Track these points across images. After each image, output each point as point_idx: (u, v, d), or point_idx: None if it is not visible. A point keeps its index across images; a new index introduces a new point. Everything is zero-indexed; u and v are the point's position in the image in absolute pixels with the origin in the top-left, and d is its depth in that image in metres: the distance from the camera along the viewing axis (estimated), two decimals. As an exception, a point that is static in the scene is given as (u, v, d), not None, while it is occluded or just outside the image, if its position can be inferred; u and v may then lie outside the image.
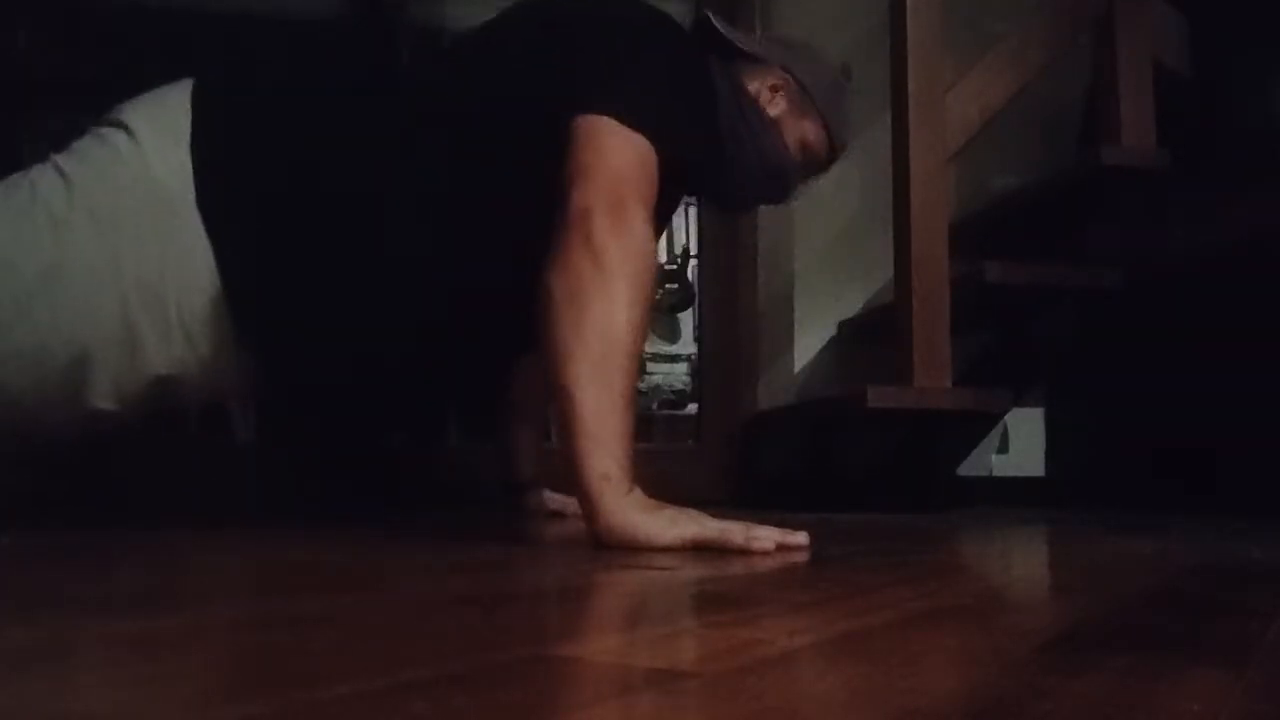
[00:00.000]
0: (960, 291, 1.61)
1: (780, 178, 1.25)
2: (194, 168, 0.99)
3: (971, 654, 0.43)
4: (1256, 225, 1.59)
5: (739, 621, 0.49)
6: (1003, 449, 2.30)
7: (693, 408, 2.52)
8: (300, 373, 1.08)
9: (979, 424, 1.84)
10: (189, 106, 1.03)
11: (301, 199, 1.03)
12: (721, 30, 1.21)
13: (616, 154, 0.96)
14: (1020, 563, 0.95)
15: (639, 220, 0.94)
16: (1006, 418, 1.99)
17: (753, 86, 1.20)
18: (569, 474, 0.88)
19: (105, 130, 1.03)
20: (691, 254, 2.82)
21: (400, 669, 0.36)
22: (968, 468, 2.04)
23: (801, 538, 0.90)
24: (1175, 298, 1.77)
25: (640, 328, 0.92)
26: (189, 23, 2.31)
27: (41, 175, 1.00)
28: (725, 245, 2.18)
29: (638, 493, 0.88)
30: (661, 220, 1.10)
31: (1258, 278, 1.61)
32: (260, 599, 0.61)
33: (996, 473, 2.30)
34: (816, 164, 1.29)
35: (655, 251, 0.96)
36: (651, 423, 2.75)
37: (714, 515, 0.89)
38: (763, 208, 2.15)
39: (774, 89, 1.21)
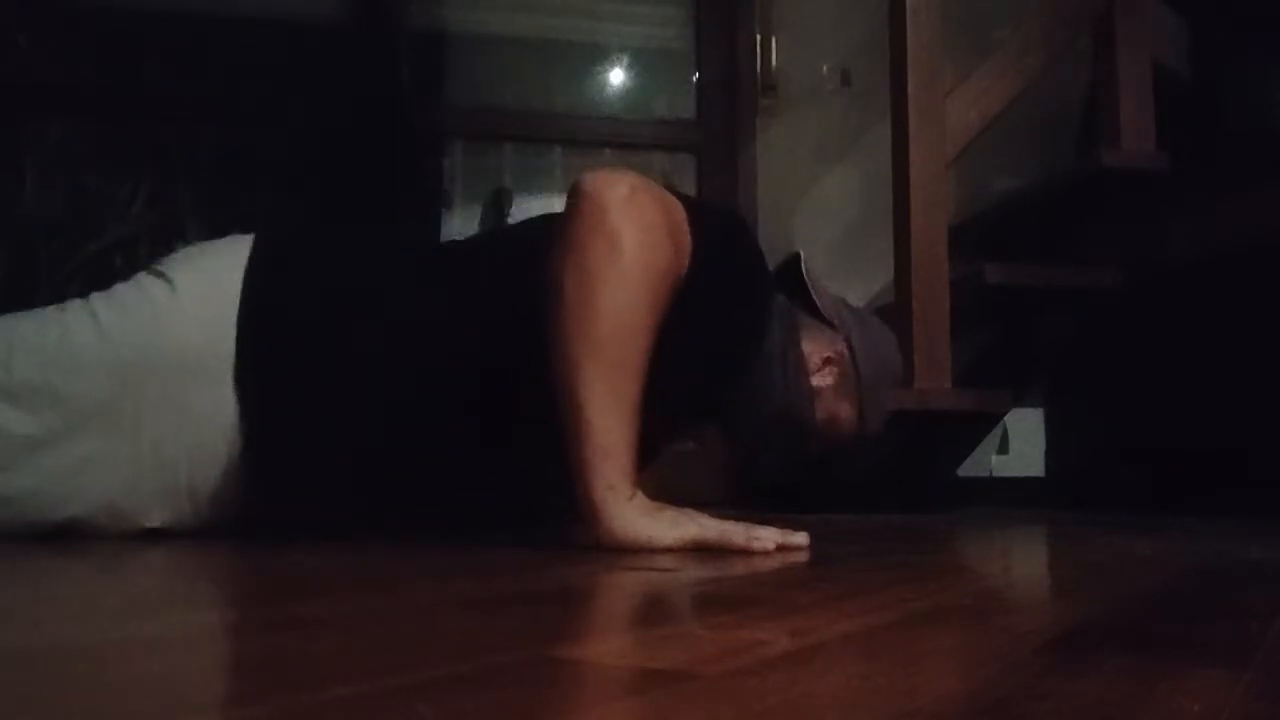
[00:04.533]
0: (960, 292, 1.61)
1: (793, 441, 1.15)
2: (239, 343, 0.96)
3: (971, 654, 0.43)
4: (1256, 225, 1.59)
5: (740, 622, 0.49)
6: (1003, 449, 2.30)
7: (693, 409, 2.52)
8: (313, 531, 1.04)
9: (979, 424, 1.84)
10: (241, 276, 0.99)
11: (342, 385, 0.99)
12: (807, 279, 1.14)
13: (642, 178, 0.93)
14: (1020, 563, 0.95)
15: (656, 217, 0.90)
16: (1006, 418, 1.99)
17: (808, 348, 1.11)
18: (573, 477, 0.87)
19: (148, 280, 1.00)
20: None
21: (403, 671, 0.36)
22: (968, 468, 2.04)
23: (802, 538, 0.90)
24: (1175, 298, 1.77)
25: (654, 326, 0.89)
26: (188, 26, 2.31)
27: (77, 317, 0.97)
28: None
29: (639, 496, 0.88)
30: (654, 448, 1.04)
31: (1258, 278, 1.61)
32: (261, 602, 0.61)
33: (996, 473, 2.31)
34: (836, 441, 1.18)
35: (668, 248, 0.91)
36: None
37: (714, 516, 0.90)
38: (770, 228, 2.15)
39: (826, 361, 1.11)
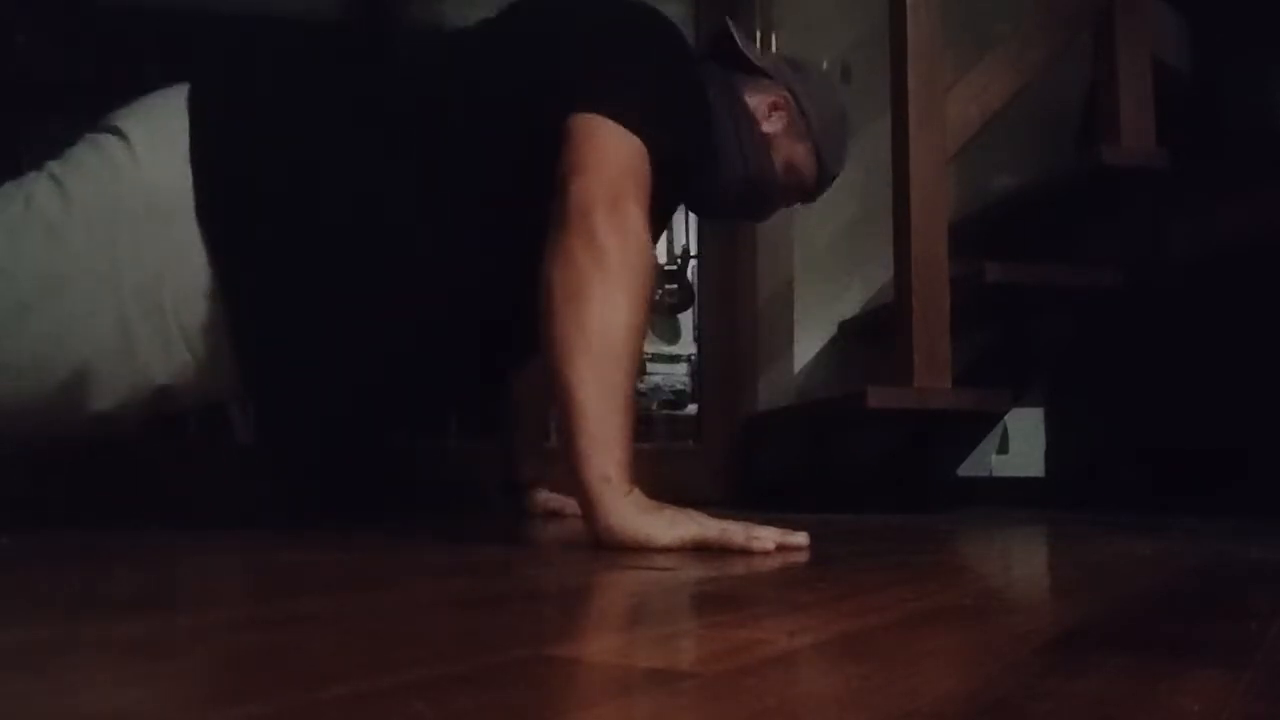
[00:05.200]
0: (960, 291, 1.61)
1: (762, 194, 1.24)
2: (193, 176, 0.99)
3: (971, 654, 0.43)
4: (1256, 225, 1.59)
5: (739, 622, 0.49)
6: (1003, 449, 2.30)
7: (693, 408, 2.52)
8: (299, 376, 1.08)
9: (979, 424, 1.84)
10: (186, 113, 1.02)
11: (301, 203, 1.02)
12: (738, 41, 1.22)
13: (613, 152, 0.96)
14: (1020, 563, 0.95)
15: (637, 219, 0.94)
16: (1006, 418, 1.99)
17: (752, 101, 1.20)
18: (570, 475, 0.88)
19: (100, 137, 1.02)
20: (691, 254, 2.82)
21: (400, 669, 0.36)
22: (968, 468, 2.04)
23: (802, 538, 0.90)
24: (1175, 298, 1.77)
25: (641, 328, 0.92)
26: (188, 23, 2.31)
27: (37, 184, 0.99)
28: (725, 245, 2.18)
29: (637, 494, 0.88)
30: (659, 223, 1.10)
31: (1258, 278, 1.61)
32: (260, 600, 0.61)
33: (996, 473, 2.30)
34: (802, 189, 1.28)
35: (654, 250, 0.96)
36: (651, 423, 2.74)
37: (714, 515, 0.89)
38: (769, 226, 2.15)
39: (773, 106, 1.21)
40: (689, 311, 3.07)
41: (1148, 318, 1.83)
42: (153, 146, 1.00)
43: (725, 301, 2.17)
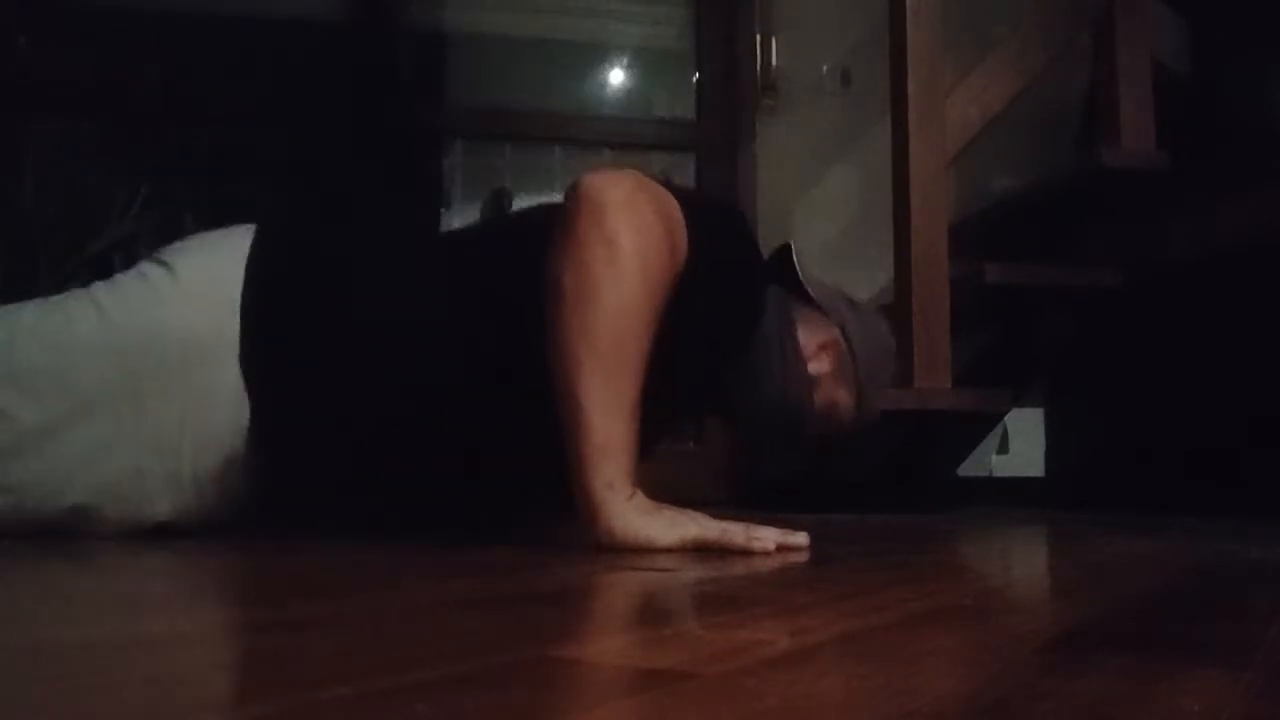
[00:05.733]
0: (960, 292, 1.61)
1: (794, 427, 1.15)
2: (242, 328, 0.97)
3: (971, 654, 0.43)
4: (1256, 225, 1.59)
5: (739, 622, 0.49)
6: (1003, 449, 2.30)
7: (693, 409, 2.52)
8: (322, 511, 1.06)
9: (979, 424, 1.84)
10: (243, 263, 1.00)
11: (347, 367, 1.00)
12: (797, 266, 1.15)
13: (639, 176, 0.94)
14: (1020, 563, 0.95)
15: (653, 214, 0.91)
16: (1006, 418, 1.99)
17: (803, 333, 1.11)
18: (573, 478, 0.87)
19: (150, 268, 1.01)
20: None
21: (402, 671, 0.36)
22: (968, 468, 2.04)
23: (802, 538, 0.90)
24: (1175, 298, 1.77)
25: (652, 326, 0.89)
26: (188, 26, 2.31)
27: (78, 306, 0.98)
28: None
29: (639, 496, 0.88)
30: (689, 412, 1.05)
31: (1258, 278, 1.61)
32: (260, 602, 0.61)
33: (996, 473, 2.31)
34: (838, 430, 1.19)
35: (666, 248, 0.92)
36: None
37: (715, 516, 0.90)
38: (770, 228, 2.15)
39: (822, 347, 1.12)
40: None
41: (1148, 318, 1.83)
42: (201, 287, 0.98)
43: (725, 302, 2.17)
